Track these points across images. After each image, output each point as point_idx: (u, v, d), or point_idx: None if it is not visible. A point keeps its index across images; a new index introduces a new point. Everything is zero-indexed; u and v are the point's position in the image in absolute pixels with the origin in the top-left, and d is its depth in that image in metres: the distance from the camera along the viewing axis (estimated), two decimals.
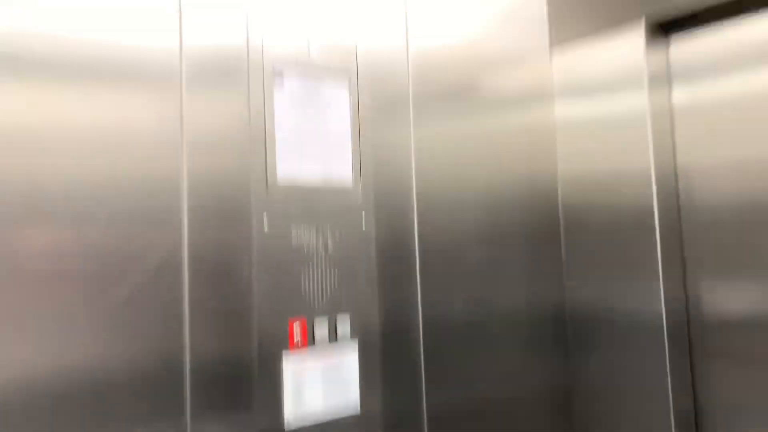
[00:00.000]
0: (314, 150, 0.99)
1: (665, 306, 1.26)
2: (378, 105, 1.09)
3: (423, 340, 1.12)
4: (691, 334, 1.31)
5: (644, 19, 1.27)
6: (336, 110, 1.02)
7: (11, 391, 0.72)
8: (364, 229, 1.03)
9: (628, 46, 1.30)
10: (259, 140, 0.93)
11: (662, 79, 1.33)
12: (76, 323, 0.77)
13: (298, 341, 0.93)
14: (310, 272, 0.97)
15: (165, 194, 0.84)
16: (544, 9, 1.43)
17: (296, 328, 0.94)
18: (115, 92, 0.82)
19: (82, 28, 0.80)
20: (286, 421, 0.90)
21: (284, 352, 0.92)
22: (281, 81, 0.97)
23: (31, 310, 0.74)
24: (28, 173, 0.74)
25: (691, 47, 1.30)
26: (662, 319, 1.26)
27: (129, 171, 0.82)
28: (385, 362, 1.05)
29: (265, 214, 0.92)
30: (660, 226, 1.27)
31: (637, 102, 1.30)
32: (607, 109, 1.36)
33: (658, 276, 1.26)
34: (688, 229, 1.32)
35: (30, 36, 0.76)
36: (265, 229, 0.92)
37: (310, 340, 0.95)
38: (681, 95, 1.33)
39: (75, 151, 0.78)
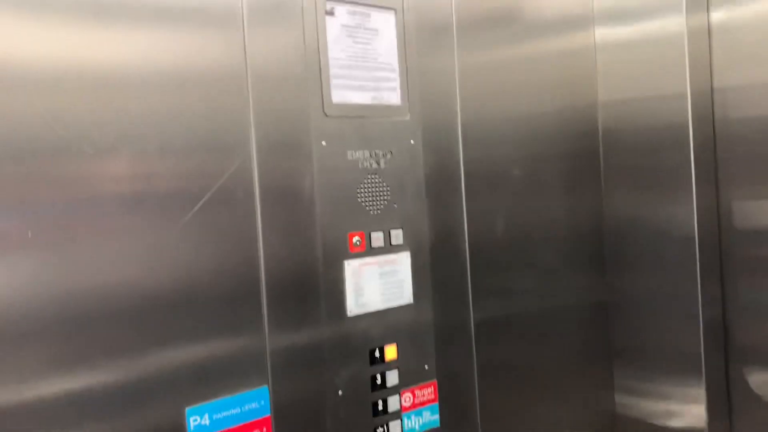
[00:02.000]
0: (364, 75, 1.08)
1: (697, 218, 1.32)
2: (423, 32, 1.16)
3: (469, 249, 1.23)
4: (722, 245, 1.38)
5: None
6: (383, 40, 1.11)
7: (94, 303, 0.81)
8: (412, 143, 1.13)
9: None
10: (314, 70, 1.03)
11: (700, 1, 1.34)
12: (159, 241, 0.87)
13: (357, 248, 1.06)
14: (365, 188, 1.08)
15: (236, 124, 0.95)
16: None
17: (355, 239, 1.06)
18: (189, 32, 0.91)
19: None
20: (348, 310, 1.05)
21: (345, 256, 1.05)
22: (332, 14, 1.05)
23: (118, 228, 0.83)
24: (117, 108, 0.84)
25: None
26: (694, 230, 1.32)
27: (204, 104, 0.91)
28: (435, 267, 1.17)
29: (322, 137, 1.03)
30: (694, 143, 1.32)
31: (675, 23, 1.32)
32: (646, 31, 1.38)
33: (692, 190, 1.32)
34: (722, 145, 1.36)
35: None
36: (324, 151, 1.03)
37: (367, 248, 1.08)
38: (719, 15, 1.34)
39: (157, 88, 0.87)
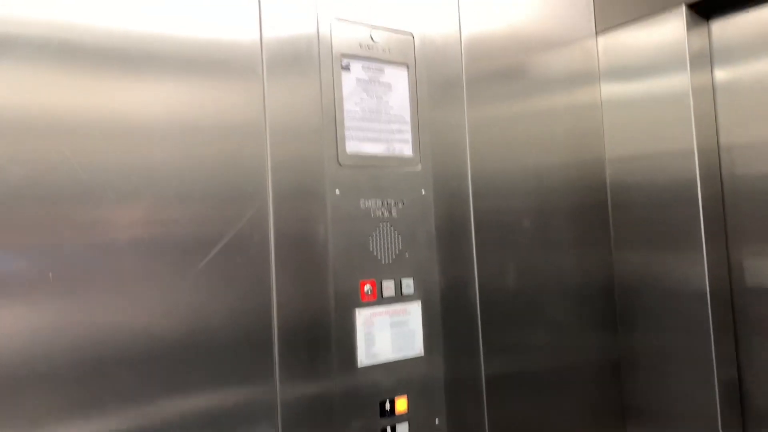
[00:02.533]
0: (378, 126, 1.11)
1: (708, 275, 1.30)
2: (434, 87, 1.20)
3: (479, 302, 1.21)
4: (735, 303, 1.35)
5: (684, 6, 1.32)
6: (396, 93, 1.14)
7: (109, 347, 0.81)
8: (423, 193, 1.15)
9: (670, 29, 1.36)
10: (330, 122, 1.05)
11: (704, 59, 1.38)
12: (174, 286, 0.87)
13: (368, 297, 1.06)
14: (377, 236, 1.09)
15: (254, 172, 0.96)
16: None
17: (366, 288, 1.06)
18: (211, 84, 0.94)
19: (178, 26, 0.92)
20: (359, 360, 1.04)
21: (356, 304, 1.05)
22: (348, 69, 1.09)
23: (135, 272, 0.84)
24: (140, 157, 0.86)
25: (732, 29, 1.35)
26: (705, 287, 1.30)
27: (223, 153, 0.94)
28: (446, 318, 1.16)
29: (336, 185, 1.05)
30: (703, 199, 1.32)
31: (680, 81, 1.35)
32: (651, 89, 1.41)
33: (702, 246, 1.31)
34: (730, 201, 1.36)
35: (136, 34, 0.88)
36: (337, 200, 1.04)
37: (379, 297, 1.07)
38: (723, 74, 1.37)
39: (177, 139, 0.90)
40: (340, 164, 1.05)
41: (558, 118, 1.42)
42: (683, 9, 1.32)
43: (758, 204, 1.32)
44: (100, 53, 0.85)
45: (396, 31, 1.15)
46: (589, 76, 1.50)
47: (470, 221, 1.22)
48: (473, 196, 1.23)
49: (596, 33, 1.51)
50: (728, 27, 1.35)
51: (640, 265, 1.43)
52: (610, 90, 1.49)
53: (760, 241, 1.32)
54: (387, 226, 1.10)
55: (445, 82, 1.22)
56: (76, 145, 0.81)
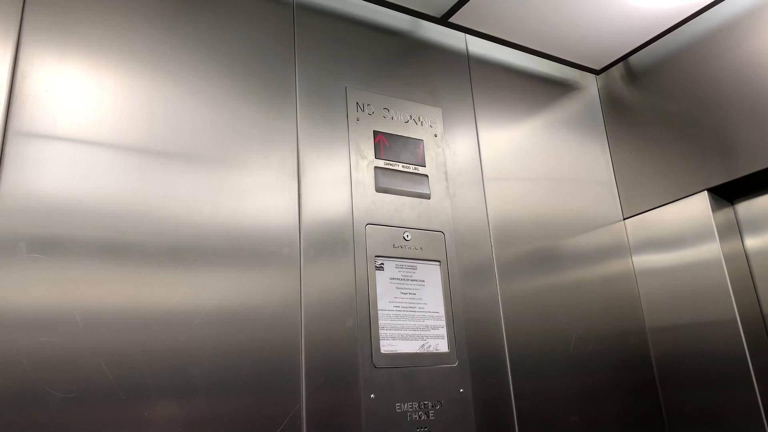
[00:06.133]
0: (412, 324, 1.11)
1: None
2: (467, 277, 1.22)
3: None
4: None
5: (706, 192, 1.37)
6: (429, 289, 1.15)
7: None
8: (461, 391, 1.11)
9: (695, 208, 1.39)
10: (364, 322, 1.06)
11: (732, 230, 1.39)
12: None
13: None
14: None
15: (288, 359, 0.96)
16: (615, 189, 1.58)
17: None
18: (248, 271, 0.97)
19: (230, 229, 0.98)
20: None
21: None
22: (381, 269, 1.12)
23: None
24: (174, 349, 0.88)
25: (758, 207, 1.37)
26: None
27: (259, 340, 0.94)
28: None
29: (371, 390, 1.02)
30: (756, 377, 1.25)
31: (710, 249, 1.34)
32: (683, 258, 1.40)
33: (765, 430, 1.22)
34: None
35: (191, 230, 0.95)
36: (372, 403, 1.01)
37: None
38: (755, 242, 1.37)
39: (215, 326, 0.92)
40: (374, 366, 1.04)
41: (592, 288, 1.41)
42: (706, 194, 1.36)
43: None
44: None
45: (428, 230, 1.19)
46: (619, 249, 1.51)
47: (513, 415, 1.16)
48: (513, 383, 1.18)
49: (623, 219, 1.55)
50: (753, 206, 1.37)
51: None
52: (641, 260, 1.50)
53: None
54: (425, 431, 1.05)
55: (477, 272, 1.24)
56: (129, 336, 0.85)
